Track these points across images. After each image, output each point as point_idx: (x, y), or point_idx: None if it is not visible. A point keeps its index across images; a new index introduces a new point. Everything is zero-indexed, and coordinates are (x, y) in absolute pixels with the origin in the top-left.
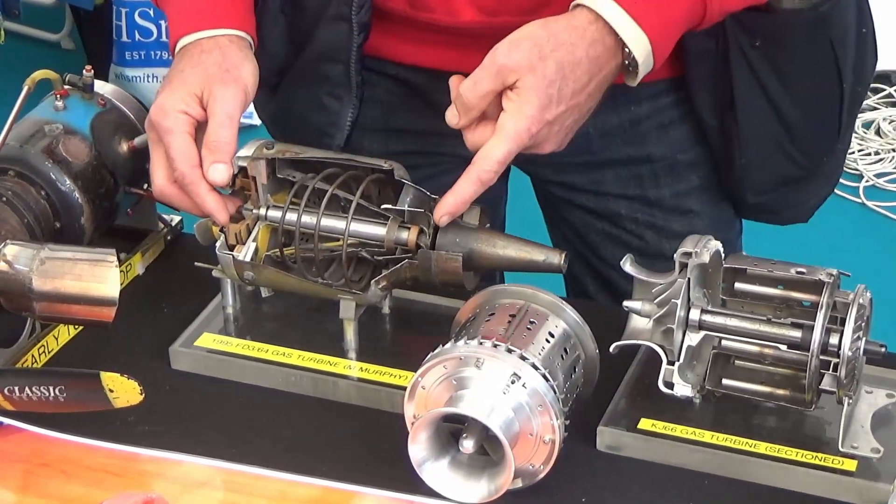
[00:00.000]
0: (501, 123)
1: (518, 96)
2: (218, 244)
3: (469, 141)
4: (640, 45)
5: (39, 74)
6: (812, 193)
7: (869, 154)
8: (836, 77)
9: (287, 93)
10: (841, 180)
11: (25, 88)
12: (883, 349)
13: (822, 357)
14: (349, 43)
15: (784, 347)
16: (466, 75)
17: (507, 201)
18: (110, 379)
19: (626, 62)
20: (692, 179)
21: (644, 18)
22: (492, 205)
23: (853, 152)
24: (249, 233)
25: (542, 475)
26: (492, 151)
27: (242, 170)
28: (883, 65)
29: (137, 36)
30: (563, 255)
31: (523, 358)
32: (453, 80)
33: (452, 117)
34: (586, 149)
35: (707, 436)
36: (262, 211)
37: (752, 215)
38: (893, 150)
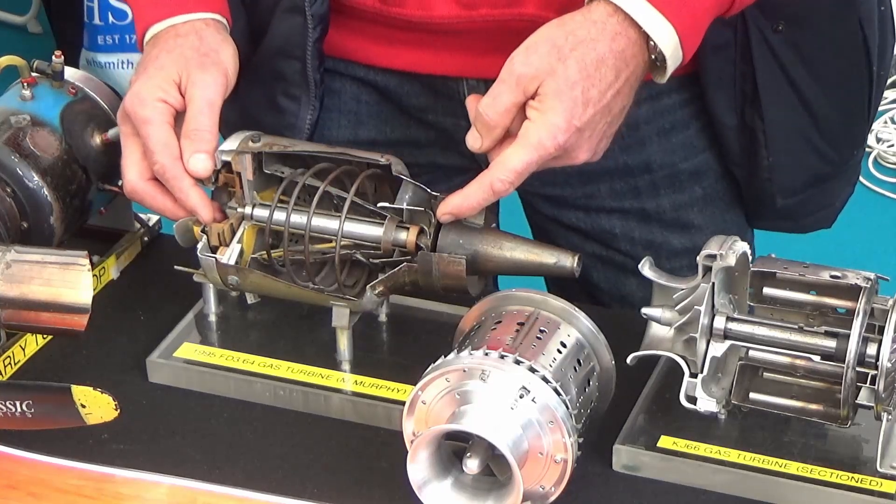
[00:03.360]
0: (524, 131)
1: (541, 104)
2: (199, 246)
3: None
4: (665, 37)
5: (4, 61)
6: (836, 195)
7: None
8: (864, 59)
9: (242, 94)
10: (879, 176)
11: None
12: None
13: (858, 369)
14: (304, 37)
15: (817, 358)
16: (444, 78)
17: (497, 223)
18: (82, 393)
19: (653, 56)
20: (695, 190)
21: (667, 6)
22: None
23: (893, 145)
24: (234, 233)
25: (553, 498)
26: (510, 159)
27: (226, 165)
28: None
29: (111, 18)
30: (577, 258)
31: (533, 370)
32: (470, 100)
33: (474, 140)
34: None
35: (733, 455)
36: (248, 209)
37: (771, 224)
38: None
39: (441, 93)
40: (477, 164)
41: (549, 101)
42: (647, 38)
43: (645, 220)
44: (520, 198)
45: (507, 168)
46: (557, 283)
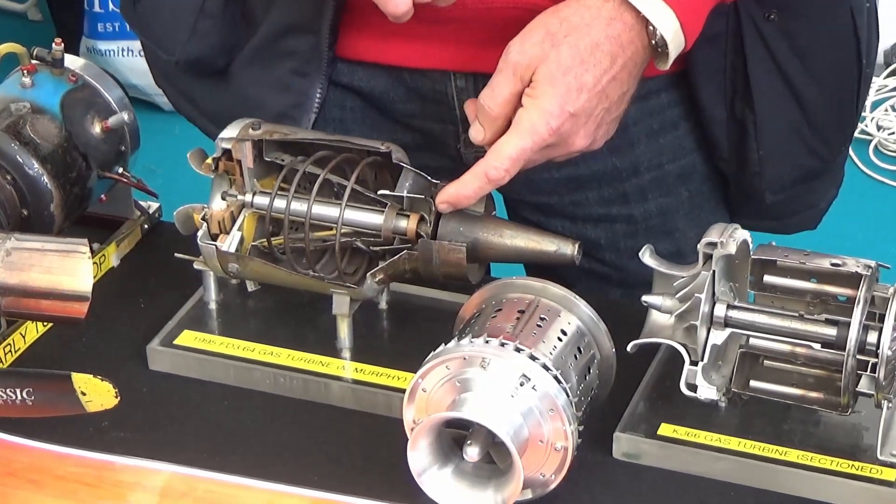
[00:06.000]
0: (517, 118)
1: (534, 90)
2: (200, 233)
3: None
4: (664, 20)
5: (4, 48)
6: (822, 194)
7: None
8: (855, 51)
9: (240, 77)
10: (879, 163)
11: None
12: None
13: (859, 357)
14: (319, 11)
15: (817, 346)
16: (431, 79)
17: None
18: (82, 381)
19: (654, 42)
20: (681, 193)
21: None
22: None
23: (893, 132)
24: (234, 221)
25: (553, 485)
26: (504, 147)
27: (226, 152)
28: None
29: (111, 6)
30: (577, 245)
31: (533, 358)
32: (468, 104)
33: (476, 133)
34: (567, 160)
35: (733, 442)
36: (248, 197)
37: (756, 223)
38: None
39: (428, 97)
40: (465, 166)
41: (542, 88)
42: (645, 22)
43: (632, 229)
44: (506, 205)
45: (502, 155)
46: None
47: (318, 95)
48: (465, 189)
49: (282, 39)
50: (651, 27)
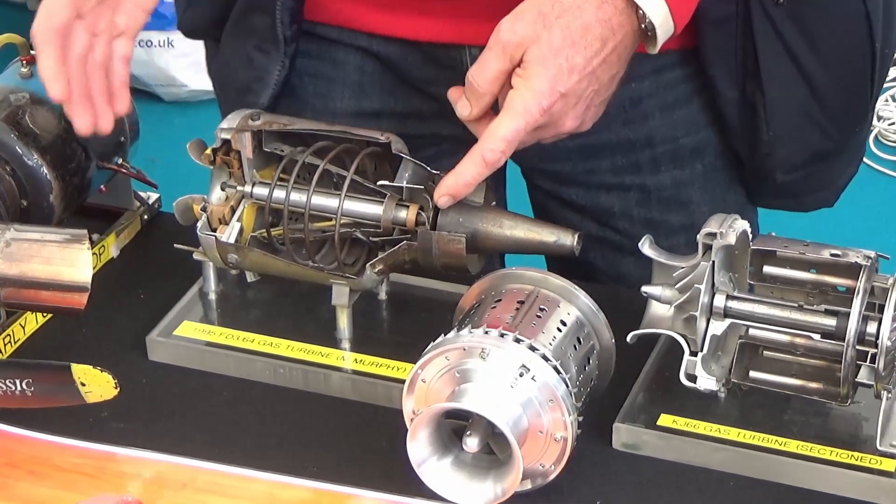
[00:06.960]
0: (509, 99)
1: (525, 71)
2: (199, 224)
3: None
4: (653, 4)
5: (4, 38)
6: (839, 173)
7: None
8: (867, 35)
9: (223, 47)
10: (880, 154)
11: None
12: None
13: (858, 347)
14: None
15: (817, 337)
16: (445, 48)
17: (504, 198)
18: (82, 371)
19: (643, 26)
20: (696, 167)
21: None
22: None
23: (894, 123)
24: (233, 212)
25: (553, 476)
26: (498, 129)
27: (225, 143)
28: None
29: None
30: (577, 236)
31: (532, 348)
32: (452, 90)
33: (463, 108)
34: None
35: (733, 433)
36: (248, 188)
37: (773, 201)
38: None
39: (444, 64)
40: (476, 137)
41: (533, 69)
42: (635, 7)
43: (645, 198)
44: (522, 174)
45: (496, 138)
46: (555, 261)
47: (276, 73)
48: (462, 177)
49: (246, 16)
50: (640, 11)
